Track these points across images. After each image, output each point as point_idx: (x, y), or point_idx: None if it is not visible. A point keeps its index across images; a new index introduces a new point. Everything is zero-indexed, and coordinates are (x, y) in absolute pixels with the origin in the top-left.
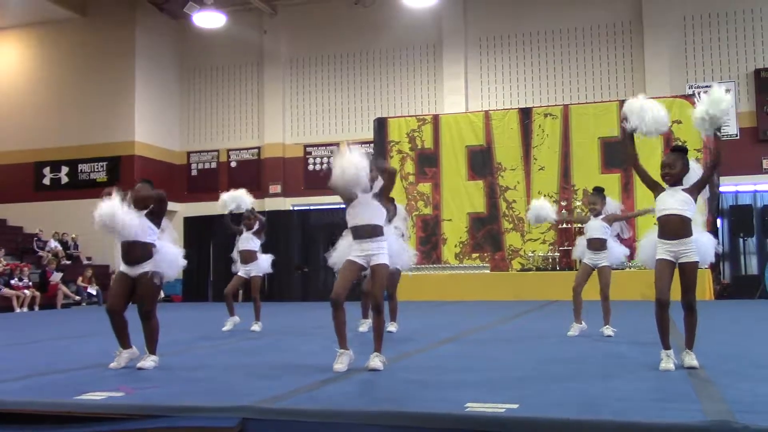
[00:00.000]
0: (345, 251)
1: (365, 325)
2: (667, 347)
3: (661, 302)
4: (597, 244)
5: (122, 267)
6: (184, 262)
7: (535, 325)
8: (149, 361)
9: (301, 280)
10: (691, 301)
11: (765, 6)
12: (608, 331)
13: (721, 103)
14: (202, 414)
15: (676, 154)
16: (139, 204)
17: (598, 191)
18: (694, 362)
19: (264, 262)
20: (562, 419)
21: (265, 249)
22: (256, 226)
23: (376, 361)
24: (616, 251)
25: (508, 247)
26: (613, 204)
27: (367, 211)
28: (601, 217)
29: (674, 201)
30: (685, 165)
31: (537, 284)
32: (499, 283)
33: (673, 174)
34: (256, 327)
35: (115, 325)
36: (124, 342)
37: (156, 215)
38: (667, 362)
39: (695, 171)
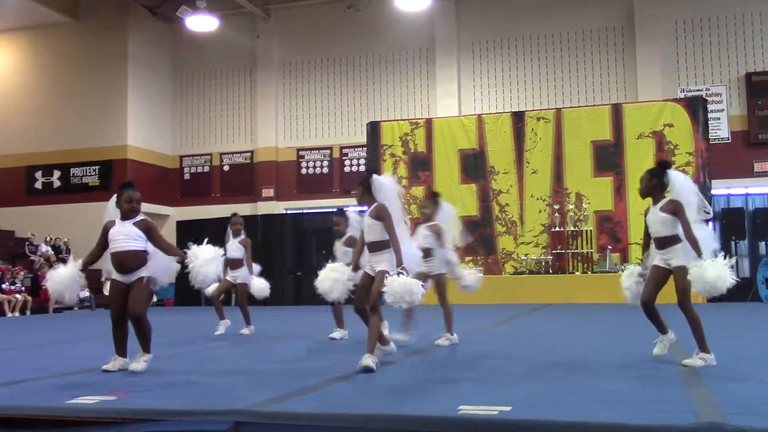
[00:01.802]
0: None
1: (338, 332)
2: (662, 332)
3: (642, 303)
4: (423, 253)
5: (115, 275)
6: (177, 267)
7: (528, 328)
8: (142, 362)
9: (294, 285)
10: (682, 303)
11: (756, 10)
12: (444, 340)
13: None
14: (194, 418)
15: (646, 171)
16: (130, 213)
17: (433, 196)
18: (691, 361)
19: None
20: (555, 421)
21: (258, 252)
22: (242, 235)
23: (368, 360)
24: (440, 258)
25: (501, 250)
26: (448, 210)
27: (370, 231)
28: (428, 224)
29: (654, 222)
30: (652, 179)
31: (530, 287)
32: (492, 286)
33: (640, 189)
34: (245, 330)
35: (117, 334)
36: (122, 351)
37: (145, 234)
38: (658, 347)
39: (680, 183)
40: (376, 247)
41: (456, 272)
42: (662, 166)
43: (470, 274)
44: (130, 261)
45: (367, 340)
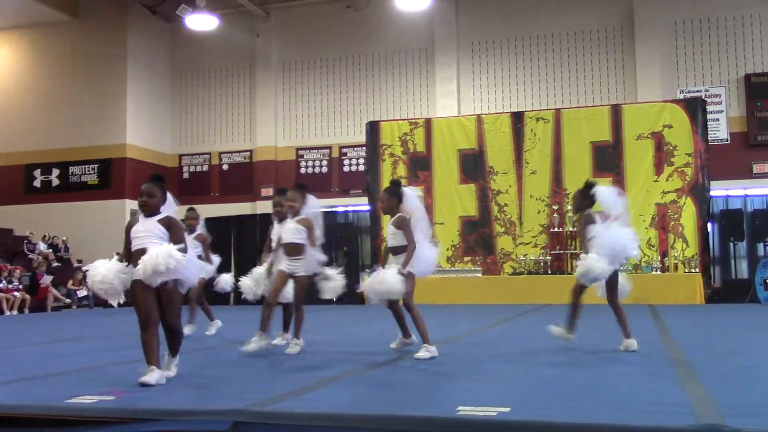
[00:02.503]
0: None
1: (281, 338)
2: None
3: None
4: (291, 250)
5: (137, 275)
6: (210, 268)
7: (527, 328)
8: (173, 368)
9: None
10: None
11: (755, 11)
12: (293, 348)
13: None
14: (193, 417)
15: (577, 191)
16: (142, 209)
17: (300, 187)
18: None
19: (207, 267)
20: (554, 423)
21: (257, 252)
22: (198, 230)
23: (422, 352)
24: (312, 258)
25: (499, 250)
26: (315, 204)
27: (393, 237)
28: (297, 218)
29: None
30: (584, 198)
31: (529, 288)
32: (491, 286)
33: (573, 207)
34: (188, 330)
35: (148, 340)
36: (155, 358)
37: (168, 232)
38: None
39: (605, 197)
40: (399, 251)
41: (325, 273)
42: (588, 186)
43: (335, 278)
44: None
45: (419, 334)
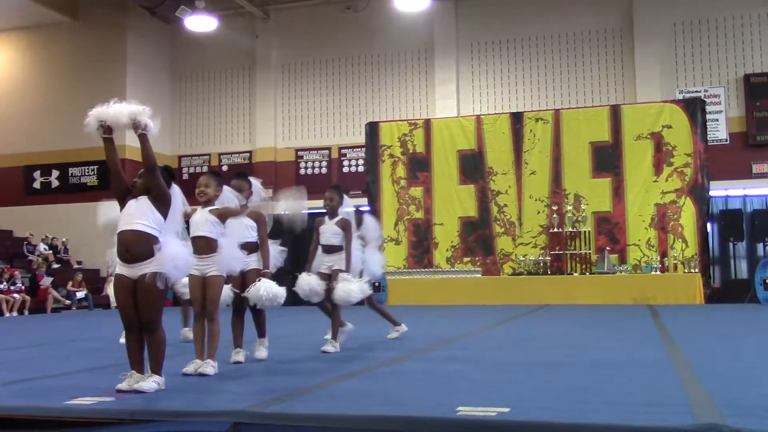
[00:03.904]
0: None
1: (241, 355)
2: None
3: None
4: (202, 246)
5: (119, 268)
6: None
7: (527, 329)
8: (151, 383)
9: (292, 285)
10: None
11: (754, 12)
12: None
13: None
14: (193, 419)
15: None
16: (135, 190)
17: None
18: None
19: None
20: (554, 423)
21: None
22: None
23: (327, 347)
24: (226, 257)
25: (499, 251)
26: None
27: (333, 237)
28: (210, 208)
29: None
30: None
31: (528, 288)
32: (491, 287)
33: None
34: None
35: (131, 343)
36: (139, 365)
37: (160, 202)
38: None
39: (368, 222)
40: (334, 249)
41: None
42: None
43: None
44: (136, 245)
45: (330, 326)
